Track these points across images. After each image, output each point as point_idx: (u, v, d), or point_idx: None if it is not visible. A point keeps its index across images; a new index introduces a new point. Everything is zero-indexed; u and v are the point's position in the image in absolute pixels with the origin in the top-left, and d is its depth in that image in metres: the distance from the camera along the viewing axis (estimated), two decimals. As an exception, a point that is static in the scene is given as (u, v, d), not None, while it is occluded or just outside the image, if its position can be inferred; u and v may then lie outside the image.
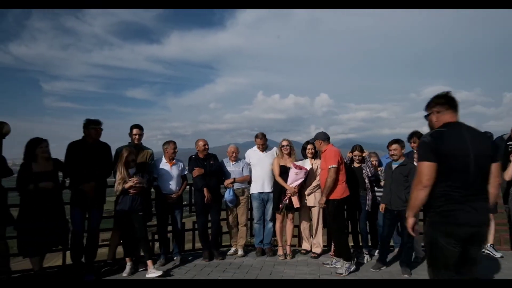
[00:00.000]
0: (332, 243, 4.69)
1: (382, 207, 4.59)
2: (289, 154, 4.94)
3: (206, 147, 5.01)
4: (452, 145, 2.37)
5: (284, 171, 4.83)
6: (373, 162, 5.11)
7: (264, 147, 5.33)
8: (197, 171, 4.81)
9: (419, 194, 2.40)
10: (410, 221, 2.50)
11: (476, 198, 2.36)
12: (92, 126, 4.36)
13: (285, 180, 4.76)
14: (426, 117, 2.59)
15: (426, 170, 2.37)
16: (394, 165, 4.40)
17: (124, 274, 4.18)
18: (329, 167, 4.19)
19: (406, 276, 4.11)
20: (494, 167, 2.43)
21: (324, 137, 4.46)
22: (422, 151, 2.45)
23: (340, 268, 4.25)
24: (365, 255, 4.83)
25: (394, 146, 4.38)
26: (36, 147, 3.94)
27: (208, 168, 4.86)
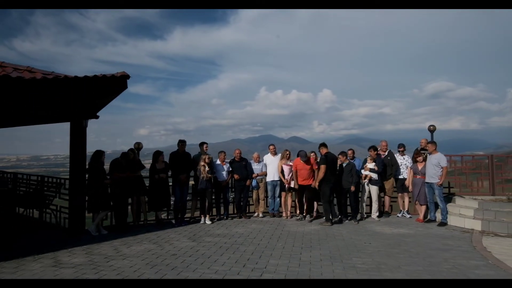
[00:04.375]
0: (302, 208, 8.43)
1: None
2: (288, 159, 8.60)
3: (240, 154, 8.69)
4: (330, 159, 7.19)
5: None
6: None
7: (274, 153, 9.01)
8: (237, 176, 8.50)
9: (321, 175, 7.16)
10: (317, 183, 7.18)
11: (334, 177, 7.05)
12: (181, 143, 8.07)
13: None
14: (319, 150, 7.30)
15: (323, 167, 7.04)
16: (344, 164, 8.02)
17: (201, 222, 7.88)
18: (319, 167, 7.78)
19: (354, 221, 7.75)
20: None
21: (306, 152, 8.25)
22: (322, 161, 7.15)
23: (306, 218, 8.10)
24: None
25: (340, 155, 8.03)
26: (158, 156, 7.66)
27: (243, 168, 8.53)
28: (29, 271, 4.57)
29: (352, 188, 7.90)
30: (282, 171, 8.49)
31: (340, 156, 7.99)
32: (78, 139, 6.64)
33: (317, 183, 7.52)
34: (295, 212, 9.04)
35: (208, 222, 7.83)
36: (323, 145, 7.83)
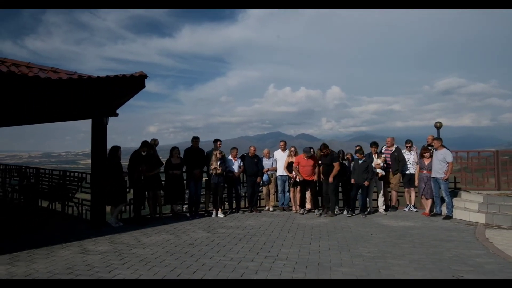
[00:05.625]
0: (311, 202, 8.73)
1: (353, 180, 8.44)
2: (295, 155, 8.90)
3: (255, 151, 9.01)
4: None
5: (290, 164, 8.80)
6: (349, 157, 8.96)
7: (284, 149, 9.32)
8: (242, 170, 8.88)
9: (335, 172, 7.43)
10: (331, 179, 7.49)
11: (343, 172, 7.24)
12: (194, 140, 8.44)
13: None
14: (323, 151, 7.59)
15: (338, 164, 7.42)
16: (360, 161, 8.27)
17: (213, 216, 8.24)
18: (330, 164, 8.10)
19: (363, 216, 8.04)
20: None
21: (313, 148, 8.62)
22: (337, 159, 7.54)
23: (316, 212, 8.37)
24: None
25: (358, 154, 8.27)
26: (173, 151, 8.04)
27: (254, 164, 8.85)
28: (59, 257, 4.97)
29: (366, 183, 8.02)
30: (288, 167, 8.80)
31: (358, 154, 8.19)
32: (99, 135, 7.03)
33: (331, 178, 7.90)
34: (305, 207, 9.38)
35: (220, 215, 8.18)
36: (325, 145, 8.29)
